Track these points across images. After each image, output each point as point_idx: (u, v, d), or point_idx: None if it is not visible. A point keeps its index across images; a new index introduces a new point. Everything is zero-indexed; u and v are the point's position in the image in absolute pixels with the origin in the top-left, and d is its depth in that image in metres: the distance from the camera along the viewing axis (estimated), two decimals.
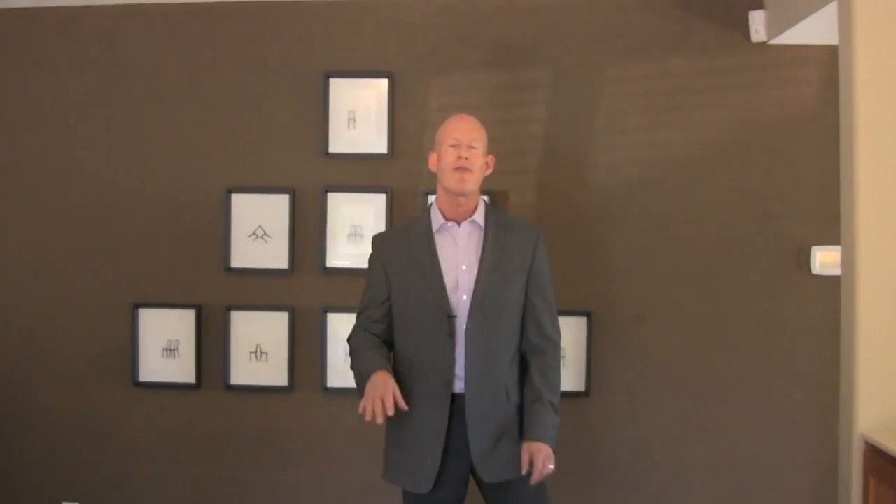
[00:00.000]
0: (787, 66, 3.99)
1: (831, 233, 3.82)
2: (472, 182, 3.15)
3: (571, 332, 4.01)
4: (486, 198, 3.88)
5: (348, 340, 3.27)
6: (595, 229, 4.04)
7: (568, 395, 3.96)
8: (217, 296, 4.15)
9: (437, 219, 3.21)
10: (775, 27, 3.87)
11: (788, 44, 3.94)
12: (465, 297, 3.13)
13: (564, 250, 4.00)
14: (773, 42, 3.94)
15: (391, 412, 2.91)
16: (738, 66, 4.00)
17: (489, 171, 3.26)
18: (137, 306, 4.16)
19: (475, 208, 3.22)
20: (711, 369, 4.03)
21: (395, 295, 3.21)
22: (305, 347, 4.11)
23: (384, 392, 2.92)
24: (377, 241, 3.31)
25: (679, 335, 4.03)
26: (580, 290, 4.03)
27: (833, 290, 3.66)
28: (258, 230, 4.13)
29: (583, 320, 4.02)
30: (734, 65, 4.00)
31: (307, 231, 4.11)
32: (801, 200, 4.00)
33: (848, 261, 3.19)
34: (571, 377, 4.02)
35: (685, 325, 4.03)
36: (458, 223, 3.20)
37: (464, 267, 3.16)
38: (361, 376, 3.07)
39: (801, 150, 4.00)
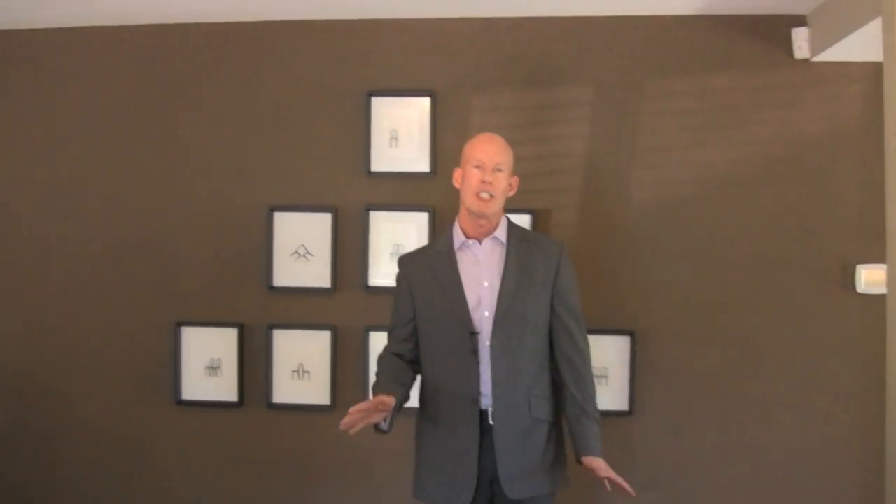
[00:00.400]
0: (831, 82, 3.99)
1: (876, 251, 3.84)
2: (494, 206, 3.20)
3: (614, 351, 4.02)
4: (527, 215, 3.97)
5: (377, 363, 3.34)
6: (637, 247, 4.05)
7: (611, 414, 3.99)
8: (259, 314, 4.18)
9: (458, 237, 3.28)
10: (819, 44, 3.88)
11: (832, 60, 3.94)
12: (486, 313, 3.18)
13: (606, 269, 4.03)
14: (816, 59, 3.94)
15: (348, 420, 2.91)
16: (782, 82, 4.00)
17: (512, 193, 3.31)
18: (180, 325, 4.20)
19: (497, 226, 3.27)
20: (755, 388, 4.02)
21: (420, 314, 3.28)
22: (347, 366, 4.14)
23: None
24: (402, 261, 3.39)
25: (722, 354, 4.03)
26: (623, 308, 4.04)
27: (878, 309, 3.68)
28: (300, 249, 4.16)
29: (626, 339, 4.02)
30: (777, 82, 4.00)
31: (349, 250, 4.14)
32: (845, 218, 3.99)
33: (893, 279, 3.17)
34: (614, 396, 4.03)
35: (728, 344, 4.03)
36: (480, 241, 3.26)
37: (486, 284, 3.21)
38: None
39: (845, 166, 4.00)
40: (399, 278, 3.37)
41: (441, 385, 3.21)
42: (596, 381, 3.84)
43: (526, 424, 3.17)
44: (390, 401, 2.98)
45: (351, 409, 2.93)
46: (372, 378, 3.95)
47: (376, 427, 3.09)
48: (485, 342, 3.16)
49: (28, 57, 4.32)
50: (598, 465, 3.17)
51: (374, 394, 3.09)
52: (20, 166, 4.32)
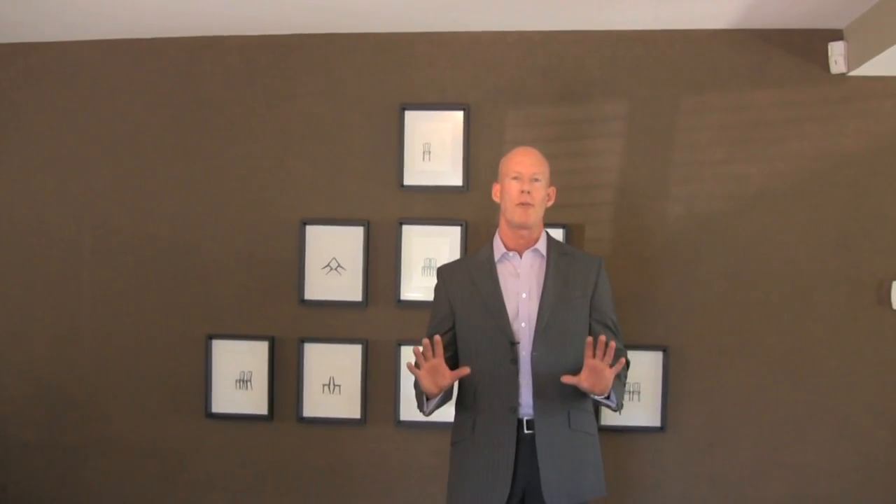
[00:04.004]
0: (868, 97, 4.06)
1: None
2: (534, 215, 3.32)
3: (648, 367, 4.10)
4: (560, 230, 4.08)
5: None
6: (671, 263, 4.14)
7: (643, 430, 4.10)
8: (291, 328, 4.29)
9: (498, 248, 3.41)
10: (855, 58, 3.95)
11: (869, 75, 4.01)
12: (524, 324, 3.30)
13: (640, 284, 4.12)
14: (852, 74, 4.01)
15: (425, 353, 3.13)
16: (818, 98, 4.08)
17: (551, 203, 3.44)
18: (211, 337, 4.31)
19: (537, 238, 3.39)
20: (789, 405, 4.09)
21: (459, 323, 3.39)
22: (379, 380, 4.24)
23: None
24: (442, 271, 3.51)
25: (756, 370, 4.10)
26: (656, 324, 4.13)
27: None
28: (332, 262, 4.27)
29: (659, 355, 4.11)
30: (813, 97, 4.08)
31: (381, 264, 4.24)
32: (881, 234, 4.06)
33: None
34: (647, 412, 4.12)
35: (763, 360, 4.10)
36: (520, 253, 3.38)
37: (524, 295, 3.33)
38: (416, 386, 3.31)
39: (881, 182, 4.07)
40: (438, 288, 3.49)
41: (480, 393, 3.32)
42: (628, 396, 4.00)
43: (566, 435, 3.28)
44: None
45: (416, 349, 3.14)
46: (408, 391, 4.08)
47: (419, 404, 3.29)
48: (523, 352, 3.29)
49: (61, 69, 4.44)
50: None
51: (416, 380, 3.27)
52: (53, 178, 4.44)
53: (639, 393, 4.13)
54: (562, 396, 3.28)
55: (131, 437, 4.39)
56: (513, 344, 3.28)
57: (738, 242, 4.12)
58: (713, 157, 4.13)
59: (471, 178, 4.21)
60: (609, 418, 4.03)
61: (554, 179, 3.46)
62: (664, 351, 4.12)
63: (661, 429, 4.14)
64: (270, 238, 4.31)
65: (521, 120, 4.21)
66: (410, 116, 4.24)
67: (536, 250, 3.38)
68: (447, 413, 3.45)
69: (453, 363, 3.40)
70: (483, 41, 4.23)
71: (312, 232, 4.28)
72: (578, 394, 3.30)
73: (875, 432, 4.07)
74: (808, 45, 4.10)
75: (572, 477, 3.27)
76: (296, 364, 4.28)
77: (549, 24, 4.16)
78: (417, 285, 4.22)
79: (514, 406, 3.27)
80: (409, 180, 4.24)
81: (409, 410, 4.15)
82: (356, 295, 4.26)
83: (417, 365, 3.17)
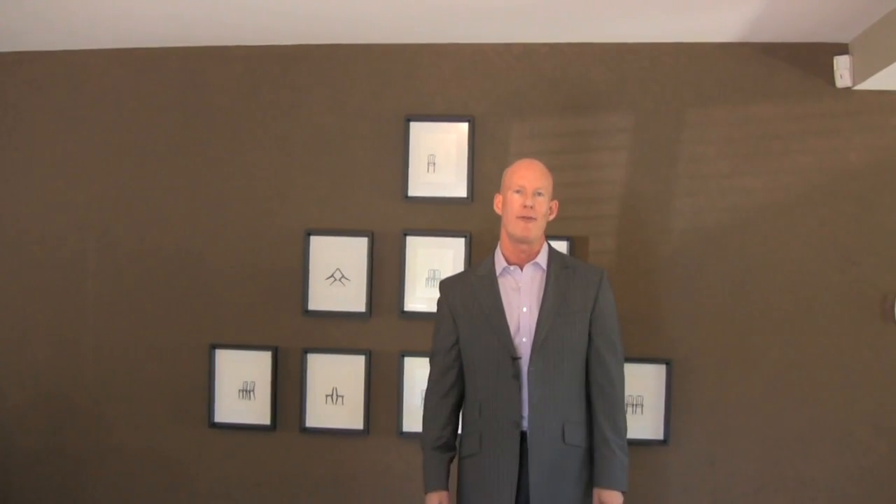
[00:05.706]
0: (873, 111, 4.08)
1: None
2: (536, 230, 3.34)
3: (650, 380, 4.13)
4: (564, 242, 4.11)
5: (424, 401, 3.53)
6: (675, 276, 4.16)
7: (646, 444, 4.11)
8: (294, 338, 4.32)
9: (500, 262, 3.43)
10: (861, 72, 3.96)
11: (874, 89, 4.03)
12: (524, 339, 3.33)
13: (644, 297, 4.14)
14: (858, 87, 4.03)
15: None
16: (823, 111, 4.10)
17: (553, 217, 3.46)
18: (214, 347, 4.34)
19: (538, 251, 3.41)
20: (792, 419, 4.10)
21: (463, 338, 3.43)
22: (382, 391, 4.26)
23: None
24: (444, 286, 3.54)
25: (760, 384, 4.12)
26: (660, 337, 4.15)
27: None
28: (336, 273, 4.30)
29: (662, 368, 4.13)
30: (818, 110, 4.10)
31: (385, 275, 4.27)
32: (885, 249, 4.08)
33: None
34: (650, 425, 4.14)
35: (766, 374, 4.12)
36: (521, 267, 3.40)
37: (525, 309, 3.36)
38: (425, 473, 3.44)
39: (886, 196, 4.08)
40: (440, 303, 3.52)
41: (484, 407, 3.36)
42: (631, 409, 4.02)
43: (560, 450, 3.30)
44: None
45: None
46: (412, 402, 4.17)
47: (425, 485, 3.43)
48: (525, 367, 3.31)
49: (66, 78, 4.48)
50: (609, 498, 3.30)
51: (425, 467, 3.43)
52: (57, 187, 4.47)
53: (642, 406, 4.15)
54: (558, 412, 3.31)
55: (133, 446, 4.42)
56: (514, 359, 3.31)
57: (742, 256, 4.14)
58: (718, 170, 4.16)
59: (475, 189, 4.23)
60: None
61: (558, 191, 3.49)
62: (667, 364, 4.14)
63: (664, 442, 4.15)
64: (274, 248, 4.34)
65: (526, 132, 4.23)
66: (415, 127, 4.27)
67: (537, 264, 3.40)
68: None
69: (460, 384, 3.46)
70: (488, 53, 4.26)
71: (316, 242, 4.31)
72: (573, 407, 3.35)
73: (878, 447, 4.09)
74: (813, 58, 4.11)
75: (566, 492, 3.31)
76: (299, 374, 4.31)
77: (554, 36, 4.18)
78: (421, 296, 4.25)
79: (517, 420, 3.30)
80: (413, 191, 4.27)
81: (411, 421, 4.18)
82: (360, 306, 4.29)
83: None
